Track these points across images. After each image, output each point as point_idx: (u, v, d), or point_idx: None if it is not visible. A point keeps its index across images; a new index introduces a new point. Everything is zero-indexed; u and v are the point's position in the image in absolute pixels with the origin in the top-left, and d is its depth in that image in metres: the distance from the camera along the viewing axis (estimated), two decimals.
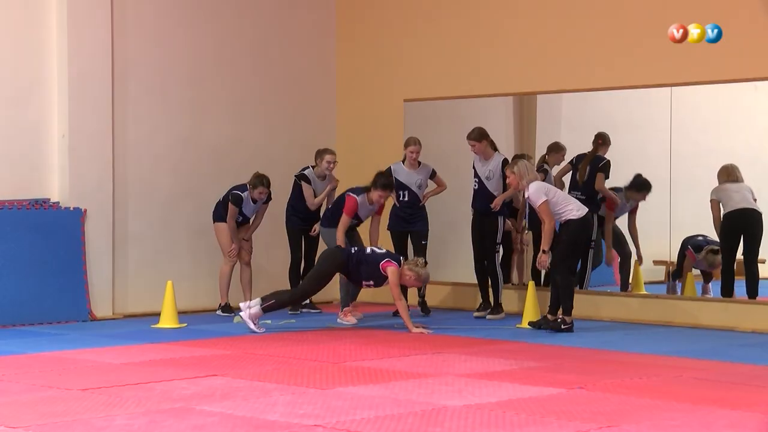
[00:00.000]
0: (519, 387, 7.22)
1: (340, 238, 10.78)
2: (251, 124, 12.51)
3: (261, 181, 11.41)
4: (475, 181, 11.39)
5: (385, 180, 10.97)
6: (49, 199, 11.08)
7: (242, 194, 11.44)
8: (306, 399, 6.76)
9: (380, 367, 8.08)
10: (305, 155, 12.14)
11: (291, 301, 10.71)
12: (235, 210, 11.46)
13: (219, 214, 11.54)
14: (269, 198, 11.61)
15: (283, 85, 12.82)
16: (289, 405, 6.57)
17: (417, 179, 11.56)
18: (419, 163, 11.58)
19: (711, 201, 11.20)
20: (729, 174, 11.17)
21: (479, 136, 11.22)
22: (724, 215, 11.15)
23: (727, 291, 11.10)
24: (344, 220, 10.89)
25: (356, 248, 10.53)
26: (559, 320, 10.16)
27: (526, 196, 10.18)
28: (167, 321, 10.56)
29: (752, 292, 10.96)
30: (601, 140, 11.67)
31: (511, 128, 12.68)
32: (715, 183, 11.24)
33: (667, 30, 10.81)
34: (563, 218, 10.11)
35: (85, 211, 11.15)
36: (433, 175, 11.61)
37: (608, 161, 11.62)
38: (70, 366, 8.15)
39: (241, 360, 8.44)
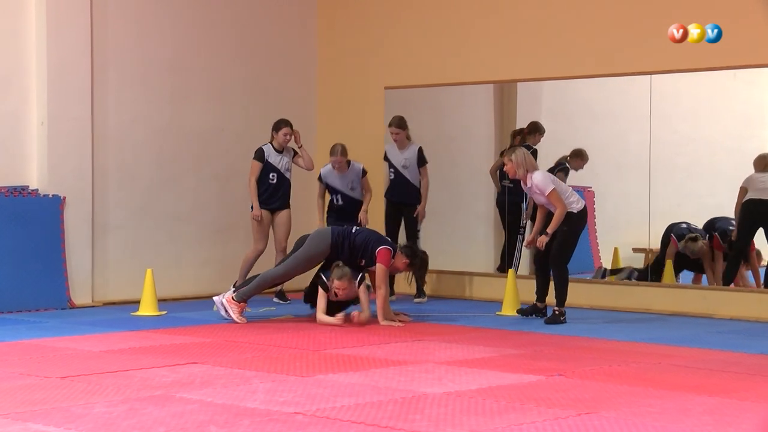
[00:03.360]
0: (499, 374, 7.24)
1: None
2: (232, 113, 12.47)
3: (285, 122, 11.17)
4: (391, 171, 11.76)
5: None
6: (28, 187, 11.03)
7: (263, 147, 11.18)
8: (286, 386, 6.77)
9: (360, 354, 8.10)
10: None
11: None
12: (258, 166, 11.08)
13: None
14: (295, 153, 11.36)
15: (264, 73, 12.78)
16: (269, 392, 6.57)
17: (347, 182, 11.39)
18: (349, 163, 11.38)
19: (740, 188, 11.00)
20: (765, 164, 10.93)
21: (401, 123, 11.49)
22: (743, 203, 10.96)
23: (727, 278, 11.03)
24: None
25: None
26: (556, 312, 10.05)
27: (527, 185, 10.08)
28: (147, 309, 10.54)
29: None
30: (527, 130, 12.00)
31: (492, 116, 12.70)
32: (695, 171, 11.32)
33: (645, 17, 10.90)
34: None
35: (65, 198, 11.11)
36: (363, 175, 11.38)
37: (535, 149, 11.80)
38: (49, 354, 8.12)
39: (220, 348, 8.43)
